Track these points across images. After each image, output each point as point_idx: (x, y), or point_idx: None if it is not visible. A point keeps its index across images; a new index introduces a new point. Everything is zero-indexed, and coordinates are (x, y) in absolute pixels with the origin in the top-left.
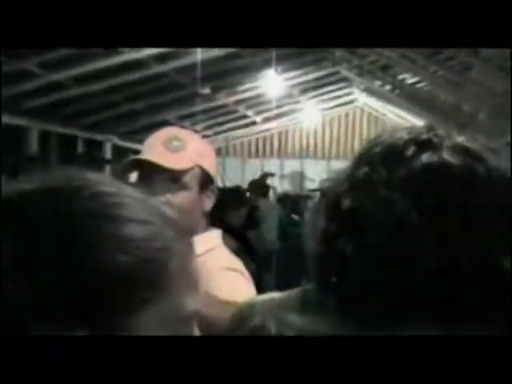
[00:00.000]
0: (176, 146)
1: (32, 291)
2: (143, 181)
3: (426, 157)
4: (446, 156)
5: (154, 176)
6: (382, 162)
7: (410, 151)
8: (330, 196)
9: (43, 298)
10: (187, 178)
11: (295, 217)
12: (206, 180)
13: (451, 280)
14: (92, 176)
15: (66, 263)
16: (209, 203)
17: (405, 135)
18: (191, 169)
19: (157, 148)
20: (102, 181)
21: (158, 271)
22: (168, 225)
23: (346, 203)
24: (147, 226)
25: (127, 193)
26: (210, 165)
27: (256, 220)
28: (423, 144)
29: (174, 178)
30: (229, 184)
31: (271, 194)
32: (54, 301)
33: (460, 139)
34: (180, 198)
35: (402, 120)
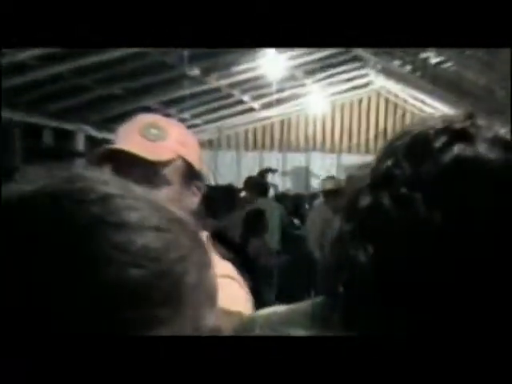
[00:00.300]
0: (154, 135)
1: (32, 305)
2: (116, 175)
3: (457, 149)
4: (482, 149)
5: (129, 169)
6: (406, 154)
7: (439, 142)
8: (349, 193)
9: (44, 314)
10: (167, 171)
11: (296, 221)
12: (189, 174)
13: (486, 293)
14: (95, 176)
15: (69, 277)
16: (194, 201)
17: (437, 124)
18: (172, 160)
19: (132, 137)
20: (107, 181)
21: (173, 284)
22: (183, 231)
23: (364, 202)
24: (161, 233)
25: (136, 195)
26: (194, 156)
27: (261, 225)
28: (456, 134)
29: (152, 171)
30: (222, 181)
31: (271, 193)
32: (56, 318)
33: (503, 131)
34: (159, 194)
35: (425, 106)
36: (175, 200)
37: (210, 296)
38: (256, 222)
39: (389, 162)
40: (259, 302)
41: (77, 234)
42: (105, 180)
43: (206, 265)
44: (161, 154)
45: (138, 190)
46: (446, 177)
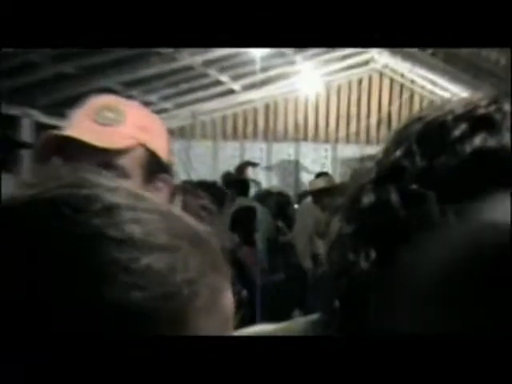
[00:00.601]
0: (109, 119)
1: (26, 318)
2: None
3: (479, 139)
4: (509, 139)
5: (79, 159)
6: (419, 143)
7: (458, 130)
8: (351, 190)
9: (38, 328)
10: (125, 162)
11: (281, 224)
12: (153, 166)
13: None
14: (103, 182)
15: (65, 292)
16: (159, 198)
17: (456, 108)
18: (130, 149)
19: (82, 121)
20: (115, 189)
21: (179, 309)
22: (196, 250)
23: (367, 199)
24: (169, 252)
25: (147, 206)
26: (159, 145)
27: (252, 227)
28: (479, 121)
29: (104, 162)
30: (195, 176)
31: (252, 191)
32: (50, 334)
33: None
34: None
35: (437, 88)
36: None
37: (224, 322)
38: (246, 222)
39: (398, 153)
40: (242, 317)
41: (74, 246)
42: (113, 187)
43: (221, 287)
44: (115, 141)
45: (152, 200)
46: (465, 171)
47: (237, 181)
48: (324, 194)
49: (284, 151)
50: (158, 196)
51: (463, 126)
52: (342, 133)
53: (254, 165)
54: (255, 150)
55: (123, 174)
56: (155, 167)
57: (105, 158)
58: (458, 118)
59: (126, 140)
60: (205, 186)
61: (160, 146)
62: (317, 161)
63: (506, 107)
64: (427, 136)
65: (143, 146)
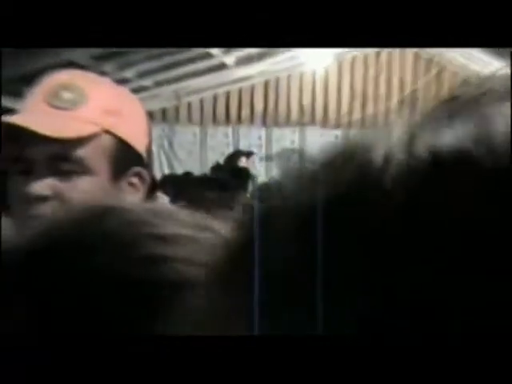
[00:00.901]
0: (66, 101)
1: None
2: (21, 160)
3: None
4: None
5: (32, 149)
6: (452, 126)
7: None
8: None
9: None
10: (85, 153)
11: None
12: (125, 157)
13: None
14: (128, 208)
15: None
16: (134, 197)
17: (497, 86)
18: (93, 137)
19: (36, 104)
20: (152, 221)
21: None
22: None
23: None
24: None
25: (173, 231)
26: (133, 131)
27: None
28: None
29: (60, 153)
30: (180, 169)
31: (250, 186)
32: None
33: None
34: (75, 188)
35: (471, 62)
36: (101, 197)
37: None
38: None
39: (427, 138)
40: None
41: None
42: (137, 218)
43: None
44: (70, 128)
45: (177, 220)
46: (503, 157)
47: (233, 171)
48: None
49: (287, 138)
50: (132, 195)
51: (507, 107)
52: (357, 116)
53: (248, 154)
54: (252, 137)
55: (83, 167)
56: (128, 159)
57: (61, 149)
58: (500, 98)
59: (86, 126)
60: (216, 186)
61: (133, 132)
62: (325, 150)
63: None
64: (463, 118)
65: (109, 132)
